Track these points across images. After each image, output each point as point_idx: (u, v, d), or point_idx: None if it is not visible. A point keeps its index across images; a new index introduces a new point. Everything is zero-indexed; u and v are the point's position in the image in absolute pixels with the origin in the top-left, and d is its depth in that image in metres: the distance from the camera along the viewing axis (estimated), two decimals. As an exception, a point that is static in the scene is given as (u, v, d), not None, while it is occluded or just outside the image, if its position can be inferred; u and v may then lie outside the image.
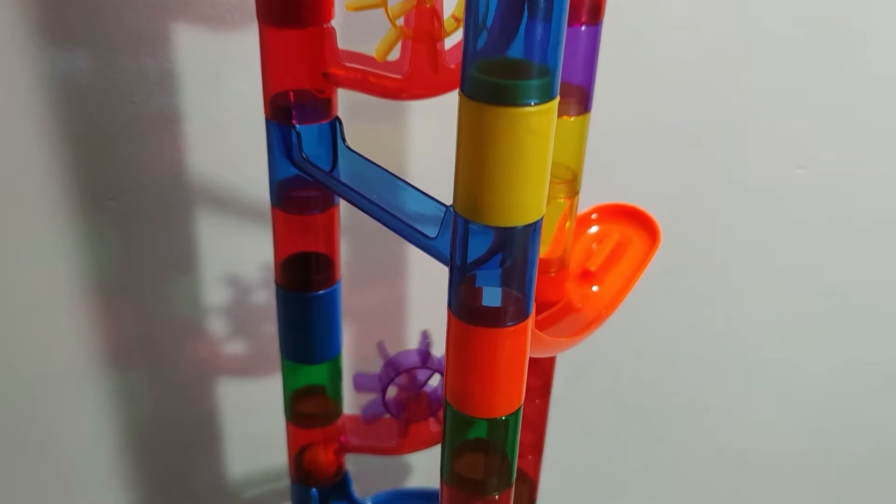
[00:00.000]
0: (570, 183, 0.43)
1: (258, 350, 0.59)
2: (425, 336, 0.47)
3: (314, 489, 0.49)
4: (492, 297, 0.32)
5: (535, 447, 0.52)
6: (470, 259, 0.31)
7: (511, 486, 0.37)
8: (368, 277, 0.59)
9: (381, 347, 0.48)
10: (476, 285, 0.32)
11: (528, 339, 0.33)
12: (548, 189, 0.30)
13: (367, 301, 0.59)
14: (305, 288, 0.42)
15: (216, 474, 0.63)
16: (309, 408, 0.47)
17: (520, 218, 0.30)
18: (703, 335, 0.70)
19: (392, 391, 0.49)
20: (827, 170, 0.63)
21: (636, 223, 0.52)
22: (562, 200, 0.43)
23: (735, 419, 0.76)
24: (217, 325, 0.57)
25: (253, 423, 0.62)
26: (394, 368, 0.48)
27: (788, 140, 0.62)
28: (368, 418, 0.49)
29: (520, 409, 0.35)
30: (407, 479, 0.68)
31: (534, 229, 0.30)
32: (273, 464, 0.64)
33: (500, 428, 0.35)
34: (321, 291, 0.43)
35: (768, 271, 0.67)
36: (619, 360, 0.70)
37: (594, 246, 0.52)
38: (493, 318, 0.32)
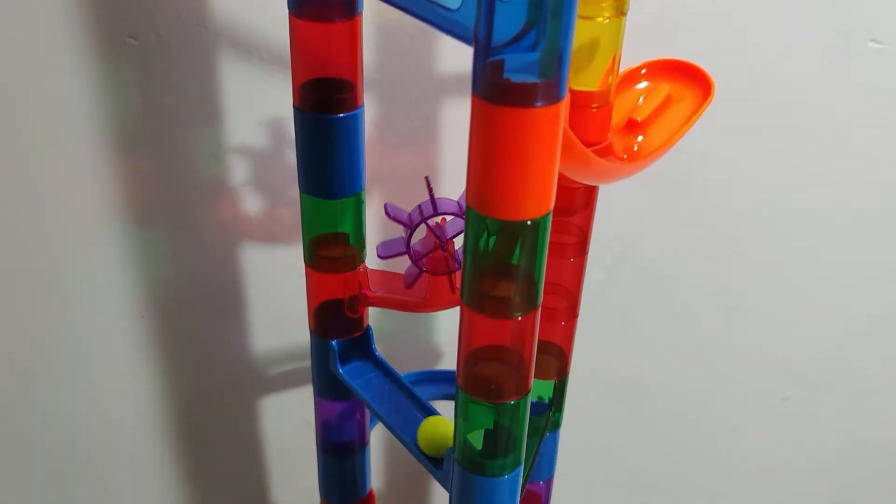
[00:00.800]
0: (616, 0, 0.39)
1: (282, 215, 0.57)
2: (428, 182, 0.43)
3: (334, 341, 0.47)
4: (521, 72, 0.28)
5: (569, 312, 0.49)
6: (497, 26, 0.28)
7: (536, 308, 0.34)
8: (399, 142, 0.56)
9: (387, 208, 0.45)
10: (504, 60, 0.28)
11: (560, 128, 0.30)
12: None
13: (396, 167, 0.56)
14: (326, 109, 0.40)
15: (239, 346, 0.62)
16: (330, 252, 0.45)
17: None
18: (754, 225, 0.65)
19: (417, 246, 0.46)
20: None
21: (688, 79, 0.48)
22: (605, 20, 0.39)
23: (785, 324, 0.72)
24: (240, 185, 0.55)
25: (277, 294, 0.60)
26: (409, 223, 0.45)
27: (862, 12, 0.56)
28: (410, 280, 0.46)
29: (548, 215, 0.32)
30: (438, 363, 0.66)
31: (570, -14, 0.27)
32: (298, 341, 0.62)
33: (528, 234, 0.31)
34: (342, 114, 0.40)
35: (830, 152, 0.62)
36: (662, 253, 0.66)
37: (641, 100, 0.48)
38: (522, 97, 0.28)
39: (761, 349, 0.73)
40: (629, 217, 0.63)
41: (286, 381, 0.64)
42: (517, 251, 0.32)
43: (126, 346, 0.60)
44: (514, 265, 0.32)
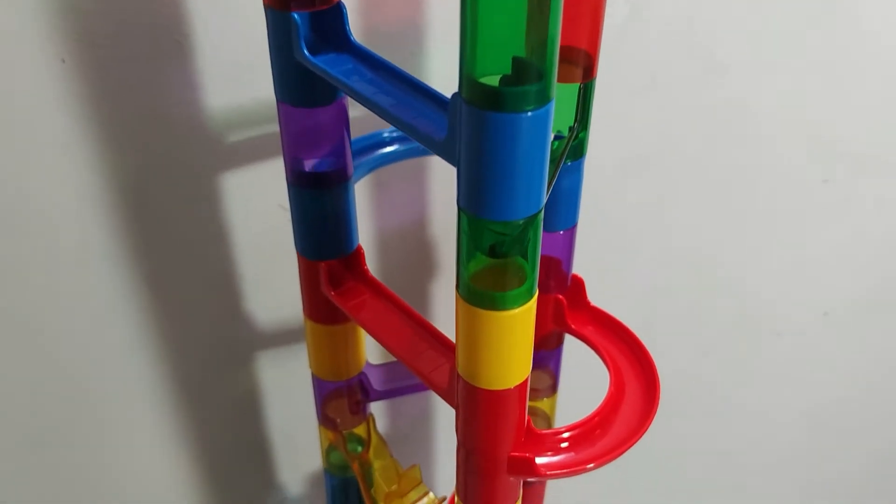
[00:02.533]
0: None
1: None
2: None
3: (295, 13, 0.36)
4: None
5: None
6: None
7: None
8: None
9: None
10: None
11: None
12: None
13: None
14: None
15: (188, 102, 0.51)
16: None
17: None
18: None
19: None
20: None
21: None
22: None
23: (829, 95, 0.62)
24: None
25: (232, 28, 0.49)
26: None
27: None
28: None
29: None
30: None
31: None
32: (263, 97, 0.51)
33: None
34: None
35: None
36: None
37: None
38: None
39: (801, 121, 0.63)
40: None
41: (253, 152, 0.54)
42: None
43: (44, 100, 0.49)
44: None
